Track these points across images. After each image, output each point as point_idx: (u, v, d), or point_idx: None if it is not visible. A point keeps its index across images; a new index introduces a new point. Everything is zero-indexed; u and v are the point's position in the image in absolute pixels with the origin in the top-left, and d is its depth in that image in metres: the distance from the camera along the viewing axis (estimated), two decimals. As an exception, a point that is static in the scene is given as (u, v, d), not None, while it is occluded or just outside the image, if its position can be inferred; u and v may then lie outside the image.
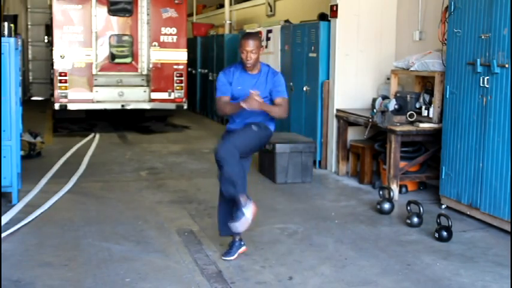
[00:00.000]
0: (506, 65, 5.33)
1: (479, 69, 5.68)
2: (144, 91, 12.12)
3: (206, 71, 14.49)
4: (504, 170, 5.42)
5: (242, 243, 4.86)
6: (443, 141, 6.33)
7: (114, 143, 10.75)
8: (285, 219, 5.93)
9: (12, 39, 6.16)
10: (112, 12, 11.88)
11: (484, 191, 5.69)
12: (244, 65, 4.71)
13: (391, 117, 6.70)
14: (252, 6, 14.89)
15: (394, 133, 6.62)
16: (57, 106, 11.56)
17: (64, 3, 11.52)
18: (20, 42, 7.45)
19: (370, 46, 8.18)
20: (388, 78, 7.78)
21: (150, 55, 12.03)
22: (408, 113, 6.75)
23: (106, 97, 11.88)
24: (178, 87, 12.11)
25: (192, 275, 4.47)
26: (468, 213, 5.95)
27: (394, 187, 6.66)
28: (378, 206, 6.18)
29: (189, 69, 14.30)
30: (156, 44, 12.01)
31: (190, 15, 17.00)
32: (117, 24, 12.00)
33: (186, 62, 12.30)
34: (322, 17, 8.93)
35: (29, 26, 18.95)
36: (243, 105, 4.53)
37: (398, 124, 6.69)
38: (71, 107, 11.61)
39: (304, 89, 8.72)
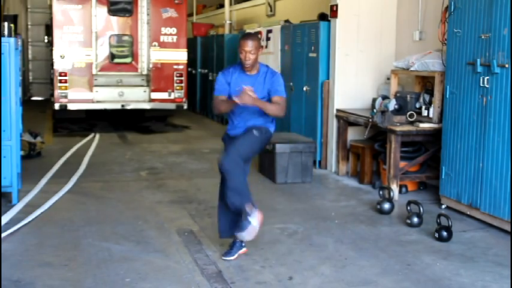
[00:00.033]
0: (506, 65, 5.33)
1: (479, 69, 5.68)
2: (144, 91, 12.12)
3: (206, 71, 14.49)
4: (504, 170, 5.42)
5: (243, 244, 4.86)
6: (443, 141, 6.33)
7: (114, 143, 10.75)
8: (285, 219, 5.93)
9: (12, 39, 6.16)
10: (112, 12, 11.88)
11: (484, 191, 5.69)
12: (243, 65, 4.72)
13: (391, 117, 6.70)
14: (252, 6, 14.89)
15: (394, 133, 6.62)
16: (57, 106, 11.56)
17: (64, 3, 11.52)
18: (20, 42, 7.45)
19: (370, 46, 8.18)
20: (388, 78, 7.78)
21: (150, 55, 12.03)
22: (408, 113, 6.75)
23: (106, 97, 11.88)
24: (178, 87, 12.11)
25: (192, 275, 4.47)
26: (468, 213, 5.95)
27: (394, 187, 6.66)
28: (378, 206, 6.18)
29: (189, 69, 14.30)
30: (156, 44, 12.01)
31: (190, 15, 17.00)
32: (117, 24, 12.00)
33: (186, 62, 12.30)
34: (322, 17, 8.93)
35: (29, 26, 18.95)
36: (236, 100, 4.53)
37: (398, 124, 6.69)
38: (71, 107, 11.61)
39: (304, 89, 8.72)
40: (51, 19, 12.13)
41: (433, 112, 6.66)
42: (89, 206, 6.39)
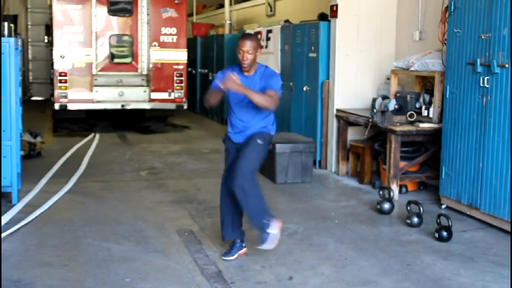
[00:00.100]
0: (506, 65, 5.33)
1: (479, 69, 5.68)
2: (144, 91, 12.12)
3: (206, 71, 14.49)
4: (504, 170, 5.42)
5: (243, 244, 4.86)
6: (443, 141, 6.33)
7: (114, 143, 10.75)
8: (285, 219, 5.90)
9: (12, 39, 6.16)
10: (112, 12, 11.88)
11: (484, 191, 5.69)
12: (241, 65, 4.71)
13: (391, 117, 6.70)
14: (252, 6, 14.89)
15: (394, 133, 6.62)
16: (57, 106, 11.56)
17: (64, 3, 11.52)
18: (20, 42, 7.45)
19: (370, 46, 8.18)
20: (388, 78, 7.78)
21: (150, 55, 12.03)
22: (408, 113, 6.75)
23: (106, 97, 11.88)
24: (178, 87, 12.11)
25: (192, 275, 4.47)
26: (468, 213, 5.95)
27: (394, 187, 6.66)
28: (378, 206, 6.18)
29: (189, 69, 14.30)
30: (156, 44, 12.01)
31: (190, 15, 17.00)
32: (117, 24, 12.00)
33: (186, 62, 12.30)
34: (322, 17, 8.93)
35: (29, 26, 18.95)
36: (221, 85, 4.49)
37: (398, 124, 6.69)
38: (71, 107, 11.61)
39: (304, 89, 8.72)
40: (51, 19, 12.13)
41: (433, 112, 6.66)
42: (89, 206, 6.39)
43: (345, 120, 7.89)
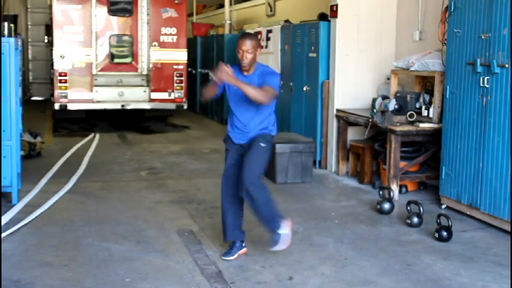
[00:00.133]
0: (506, 65, 5.33)
1: (479, 69, 5.68)
2: (144, 91, 12.12)
3: (206, 71, 14.48)
4: (504, 170, 5.42)
5: (243, 244, 4.86)
6: (443, 141, 6.33)
7: (114, 143, 10.75)
8: (285, 219, 5.92)
9: (12, 39, 6.16)
10: (112, 12, 11.88)
11: (484, 191, 5.69)
12: (240, 65, 4.71)
13: (391, 117, 6.70)
14: (252, 6, 14.89)
15: (394, 133, 6.62)
16: (57, 106, 11.56)
17: (64, 3, 11.52)
18: (20, 42, 7.45)
19: (370, 46, 8.18)
20: (388, 78, 7.78)
21: (150, 55, 12.03)
22: (408, 113, 6.75)
23: (106, 97, 11.88)
24: (178, 87, 12.11)
25: (192, 275, 4.47)
26: (468, 213, 5.95)
27: (394, 187, 6.66)
28: (378, 206, 6.18)
29: (189, 69, 14.30)
30: (156, 44, 12.01)
31: (190, 15, 17.00)
32: (117, 24, 12.00)
33: (186, 62, 12.30)
34: (322, 17, 8.93)
35: (29, 26, 18.96)
36: (212, 76, 4.49)
37: (398, 124, 6.69)
38: (71, 107, 11.61)
39: (304, 89, 8.72)
40: (51, 19, 12.13)
41: (433, 112, 6.66)
42: (89, 206, 6.39)
43: (345, 120, 7.89)
